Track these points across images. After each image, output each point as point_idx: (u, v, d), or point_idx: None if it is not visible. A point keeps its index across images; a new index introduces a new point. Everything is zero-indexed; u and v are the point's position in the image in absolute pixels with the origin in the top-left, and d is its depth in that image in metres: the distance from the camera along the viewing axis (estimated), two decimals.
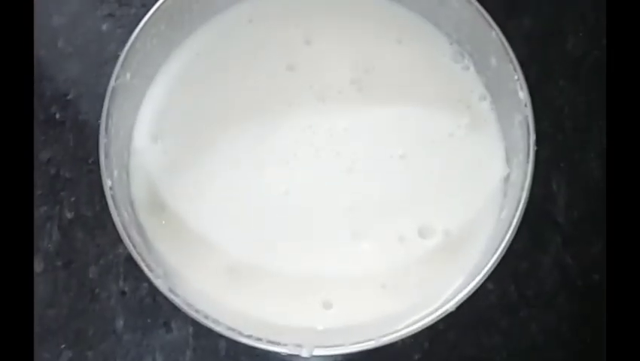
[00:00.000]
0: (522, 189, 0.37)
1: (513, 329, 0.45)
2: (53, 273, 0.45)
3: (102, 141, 0.37)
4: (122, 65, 0.38)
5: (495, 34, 0.40)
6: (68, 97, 0.48)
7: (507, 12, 0.51)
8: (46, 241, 0.46)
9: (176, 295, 0.35)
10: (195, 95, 0.42)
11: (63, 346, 0.44)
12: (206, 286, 0.38)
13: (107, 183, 0.36)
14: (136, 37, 0.39)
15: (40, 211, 0.46)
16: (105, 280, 0.45)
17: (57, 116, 0.48)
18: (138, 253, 0.35)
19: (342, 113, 0.42)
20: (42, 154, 0.47)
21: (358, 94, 0.43)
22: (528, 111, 0.38)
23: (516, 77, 0.39)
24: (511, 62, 0.39)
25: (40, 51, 0.48)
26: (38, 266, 0.45)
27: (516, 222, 0.37)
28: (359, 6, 0.44)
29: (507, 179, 0.41)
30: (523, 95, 0.39)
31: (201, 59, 0.43)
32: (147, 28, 0.40)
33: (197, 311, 0.35)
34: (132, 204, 0.40)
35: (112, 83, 0.38)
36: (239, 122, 0.42)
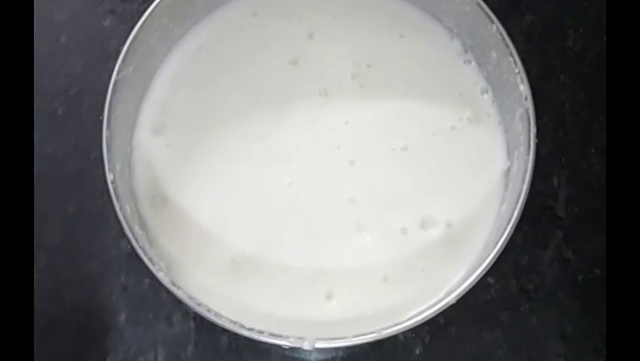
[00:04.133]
0: (522, 182, 0.37)
1: (514, 324, 0.45)
2: (55, 268, 0.45)
3: (105, 133, 0.37)
4: (124, 59, 0.38)
5: (496, 28, 0.40)
6: (70, 92, 0.48)
7: (509, 8, 0.51)
8: (48, 235, 0.46)
9: (178, 288, 0.35)
10: (197, 88, 0.43)
11: (65, 340, 0.44)
12: (209, 279, 0.39)
13: (109, 176, 0.37)
14: (138, 31, 0.39)
15: (42, 206, 0.46)
16: (107, 275, 0.45)
17: (59, 111, 0.48)
18: (140, 246, 0.35)
19: (344, 107, 0.42)
20: (44, 149, 0.47)
21: (359, 88, 0.43)
22: (529, 104, 0.38)
23: (516, 71, 0.39)
24: (511, 55, 0.39)
25: (42, 47, 0.49)
26: (41, 261, 0.45)
27: (517, 215, 0.37)
28: (362, 1, 0.44)
29: (508, 172, 0.41)
30: (524, 88, 0.39)
31: (204, 52, 0.43)
32: (150, 21, 0.40)
33: (199, 305, 0.35)
34: (134, 197, 0.40)
35: (114, 76, 0.38)
36: (241, 115, 0.42)
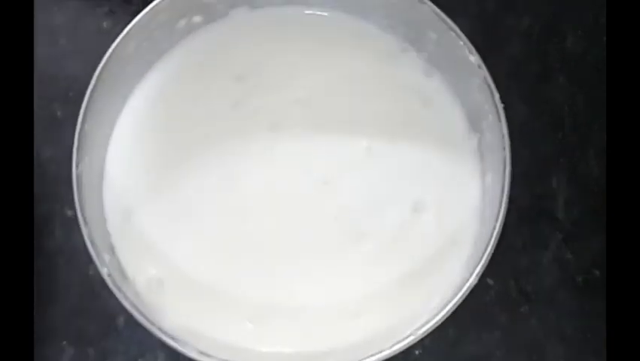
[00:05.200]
0: (502, 149, 0.38)
1: (513, 325, 0.45)
2: (54, 271, 0.45)
3: (84, 230, 0.38)
4: (79, 144, 0.39)
5: (428, 8, 0.40)
6: (70, 95, 0.48)
7: (507, 10, 0.51)
8: (47, 239, 0.46)
9: (208, 355, 0.36)
10: (153, 155, 0.43)
11: (65, 343, 0.44)
12: (229, 336, 0.39)
13: (103, 270, 0.37)
14: (89, 99, 0.39)
15: (41, 209, 0.46)
16: None
17: (58, 113, 0.48)
18: (151, 322, 0.36)
19: (297, 134, 0.42)
20: (43, 152, 0.47)
21: (307, 109, 0.42)
22: (485, 73, 0.38)
23: (461, 43, 0.39)
24: (452, 30, 0.39)
25: (41, 49, 0.48)
26: (40, 264, 0.45)
27: (507, 186, 0.37)
28: (287, 25, 0.44)
29: (479, 144, 0.41)
30: (475, 58, 0.39)
31: (145, 119, 0.43)
32: (99, 87, 0.40)
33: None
34: (130, 282, 0.40)
35: (75, 163, 0.38)
36: (201, 173, 0.42)
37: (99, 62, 0.48)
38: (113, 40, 0.49)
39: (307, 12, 0.44)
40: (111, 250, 0.41)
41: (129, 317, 0.44)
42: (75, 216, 0.46)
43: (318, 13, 0.44)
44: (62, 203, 0.46)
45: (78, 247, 0.45)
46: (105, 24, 0.50)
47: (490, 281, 0.45)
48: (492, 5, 0.50)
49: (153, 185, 0.42)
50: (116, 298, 0.44)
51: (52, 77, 0.49)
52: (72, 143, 0.47)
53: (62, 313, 0.44)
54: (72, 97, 0.48)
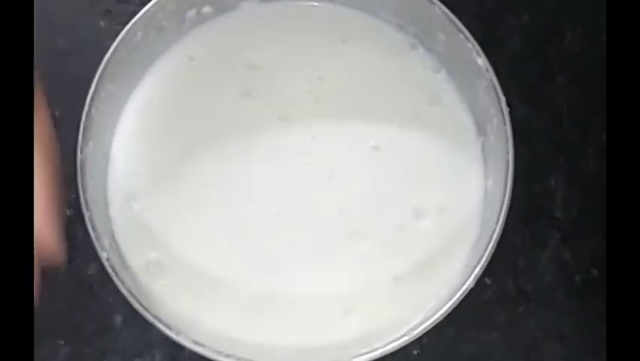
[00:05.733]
0: (506, 152, 0.38)
1: (512, 325, 0.45)
2: (52, 270, 0.45)
3: (85, 213, 0.38)
4: (83, 136, 0.39)
5: (439, 9, 0.40)
6: (68, 94, 0.48)
7: (506, 8, 0.51)
8: None
9: (202, 345, 0.36)
10: (160, 142, 0.42)
11: (62, 342, 0.44)
12: (223, 325, 0.39)
13: (102, 254, 0.37)
14: (89, 107, 0.40)
15: None
16: (104, 276, 0.45)
17: (57, 113, 0.48)
18: (153, 316, 0.36)
19: (306, 125, 0.42)
20: None
21: (316, 103, 0.43)
22: (492, 75, 0.39)
23: (469, 46, 0.39)
24: (461, 32, 0.39)
25: (39, 48, 0.48)
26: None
27: (509, 190, 0.37)
28: (298, 18, 0.44)
29: (483, 147, 0.41)
30: (482, 61, 0.39)
31: (152, 109, 0.43)
32: (97, 89, 0.40)
33: (228, 356, 0.35)
34: (129, 268, 0.40)
35: (79, 155, 0.39)
36: (207, 161, 0.42)
37: (97, 62, 0.48)
38: (110, 40, 0.49)
39: (317, 5, 0.44)
40: (112, 236, 0.41)
41: (127, 316, 0.44)
42: (74, 215, 0.46)
43: (328, 7, 0.44)
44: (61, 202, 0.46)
45: (77, 246, 0.46)
46: (102, 23, 0.50)
47: (488, 281, 0.45)
48: (492, 4, 0.50)
49: (158, 173, 0.42)
50: (114, 296, 0.45)
51: (50, 76, 0.48)
52: (72, 142, 0.47)
53: (59, 312, 0.44)
54: (70, 96, 0.48)
